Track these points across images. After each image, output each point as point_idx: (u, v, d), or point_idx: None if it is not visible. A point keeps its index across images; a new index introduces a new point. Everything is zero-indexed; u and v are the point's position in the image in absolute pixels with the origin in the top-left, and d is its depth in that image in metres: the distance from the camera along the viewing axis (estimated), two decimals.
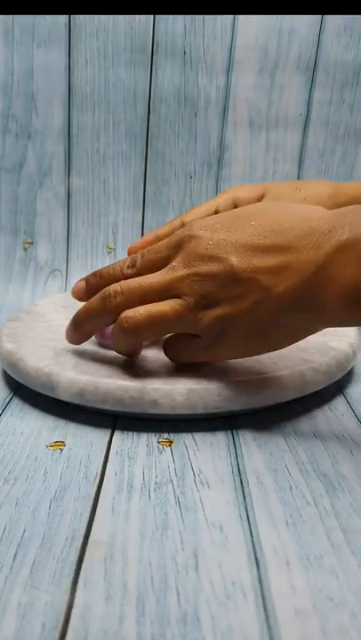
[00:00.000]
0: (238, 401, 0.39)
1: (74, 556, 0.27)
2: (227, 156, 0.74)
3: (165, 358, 0.44)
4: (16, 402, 0.44)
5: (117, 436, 0.39)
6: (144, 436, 0.39)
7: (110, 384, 0.39)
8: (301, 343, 0.46)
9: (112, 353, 0.45)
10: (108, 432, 0.39)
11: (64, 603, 0.24)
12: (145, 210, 0.74)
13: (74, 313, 0.54)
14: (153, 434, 0.39)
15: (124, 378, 0.40)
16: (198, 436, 0.39)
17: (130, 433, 0.39)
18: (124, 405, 0.39)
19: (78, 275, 0.73)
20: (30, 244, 0.74)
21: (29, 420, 0.41)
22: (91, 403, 0.39)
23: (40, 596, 0.24)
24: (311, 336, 0.44)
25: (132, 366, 0.42)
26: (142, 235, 0.75)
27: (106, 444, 0.38)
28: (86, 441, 0.38)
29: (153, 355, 0.45)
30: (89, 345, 0.47)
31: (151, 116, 0.72)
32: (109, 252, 0.75)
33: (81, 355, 0.44)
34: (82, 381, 0.39)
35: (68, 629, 0.23)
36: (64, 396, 0.40)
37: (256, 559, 0.27)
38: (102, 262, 0.74)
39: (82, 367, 0.41)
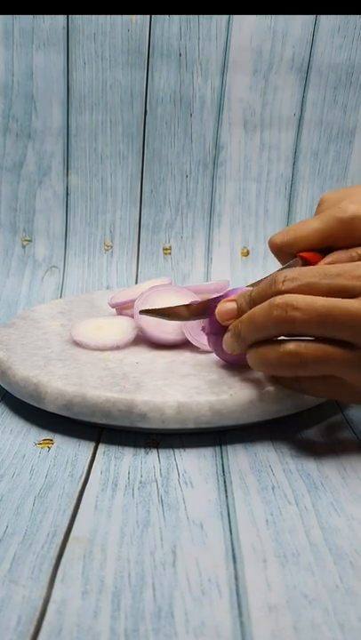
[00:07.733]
0: (231, 416, 0.37)
1: (54, 552, 0.27)
2: (222, 156, 0.74)
3: (158, 369, 0.42)
4: (2, 407, 0.44)
5: (105, 435, 0.39)
6: (131, 437, 0.39)
7: (98, 396, 0.38)
8: None
9: (103, 362, 0.43)
10: (97, 431, 0.40)
11: (41, 597, 0.25)
12: (142, 208, 0.75)
13: (70, 319, 0.54)
14: (140, 435, 0.39)
15: (112, 390, 0.38)
16: (185, 436, 0.39)
17: (117, 433, 0.40)
18: (111, 418, 0.38)
19: (76, 271, 0.74)
20: (29, 241, 0.74)
21: (18, 422, 0.41)
22: (78, 415, 0.38)
23: (18, 591, 0.25)
24: None
25: (122, 377, 0.41)
26: (139, 232, 0.75)
27: (93, 443, 0.38)
28: (74, 440, 0.39)
29: (145, 364, 0.43)
30: (82, 353, 0.45)
31: (148, 116, 0.72)
32: (107, 250, 0.75)
33: (71, 364, 0.43)
34: (69, 393, 0.38)
35: (43, 623, 0.23)
36: (51, 408, 0.39)
37: (234, 556, 0.27)
38: (99, 260, 0.75)
39: (71, 378, 0.40)
